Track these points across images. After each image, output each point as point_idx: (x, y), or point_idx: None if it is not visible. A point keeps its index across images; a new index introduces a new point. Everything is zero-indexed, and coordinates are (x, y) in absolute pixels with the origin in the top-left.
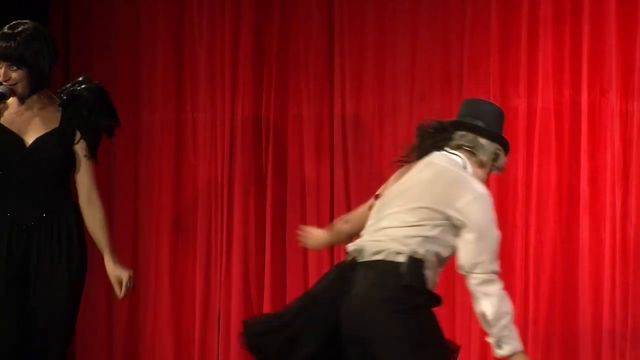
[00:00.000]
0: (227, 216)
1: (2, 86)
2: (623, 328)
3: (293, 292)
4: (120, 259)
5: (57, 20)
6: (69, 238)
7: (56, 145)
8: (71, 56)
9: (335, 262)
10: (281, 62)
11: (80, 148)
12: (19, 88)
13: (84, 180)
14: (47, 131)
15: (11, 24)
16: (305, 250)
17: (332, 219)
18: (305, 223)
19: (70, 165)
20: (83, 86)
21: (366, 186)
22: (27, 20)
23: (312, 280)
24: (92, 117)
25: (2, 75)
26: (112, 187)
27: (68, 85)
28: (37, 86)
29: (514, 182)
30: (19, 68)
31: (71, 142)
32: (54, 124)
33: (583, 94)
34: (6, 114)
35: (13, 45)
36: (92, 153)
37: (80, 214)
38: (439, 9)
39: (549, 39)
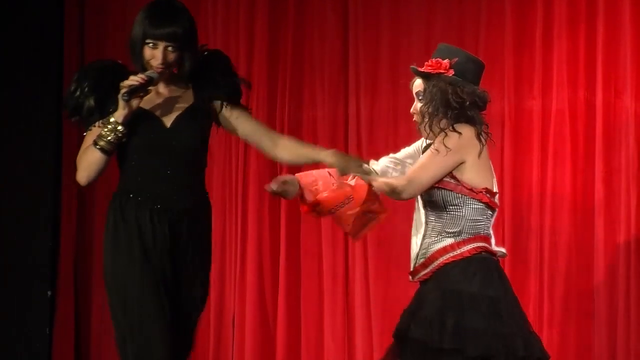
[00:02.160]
0: (241, 218)
1: (134, 77)
2: (638, 330)
3: (308, 295)
4: None
5: (72, 16)
6: (208, 221)
7: (195, 124)
8: (85, 54)
9: (349, 266)
10: (296, 64)
11: (229, 111)
12: (169, 71)
13: (257, 128)
14: (185, 110)
15: (158, 1)
16: (320, 253)
17: None
18: (320, 226)
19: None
20: (205, 55)
21: None
22: None
23: (327, 282)
24: (226, 78)
25: (159, 57)
26: None
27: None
28: (189, 68)
29: (528, 184)
30: (176, 50)
31: (210, 116)
32: (186, 101)
33: (598, 95)
34: (146, 97)
35: (176, 25)
36: (244, 106)
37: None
38: (454, 9)
39: (563, 40)
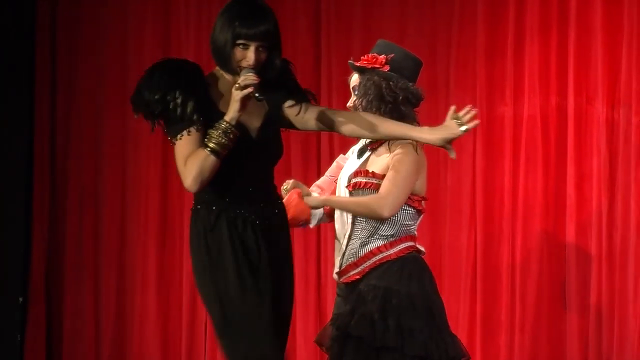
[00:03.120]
0: None
1: (249, 75)
2: (609, 334)
3: None
4: (106, 266)
5: (44, 23)
6: (287, 227)
7: (277, 130)
8: (58, 63)
9: (322, 272)
10: None
11: (297, 108)
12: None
13: (328, 114)
14: (264, 118)
15: (244, 1)
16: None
17: (318, 227)
18: (291, 232)
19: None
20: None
21: None
22: None
23: (299, 288)
24: (291, 82)
25: (252, 58)
26: (99, 193)
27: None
28: (278, 67)
29: (500, 189)
30: (266, 49)
31: (282, 121)
32: (263, 109)
33: (569, 101)
34: (222, 101)
35: (267, 24)
36: (306, 98)
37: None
38: (426, 16)
39: (535, 46)
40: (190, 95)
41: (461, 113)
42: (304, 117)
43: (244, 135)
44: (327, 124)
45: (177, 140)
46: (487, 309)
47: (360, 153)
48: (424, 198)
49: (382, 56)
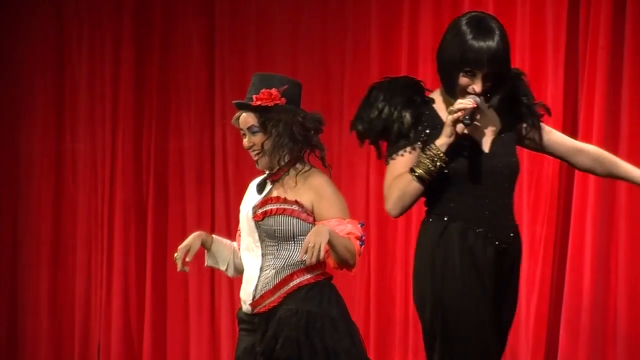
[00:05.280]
0: (107, 247)
1: (471, 97)
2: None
3: (174, 324)
4: None
5: None
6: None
7: (513, 147)
8: None
9: (215, 296)
10: (162, 94)
11: (534, 133)
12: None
13: (564, 140)
14: (497, 134)
15: (482, 16)
16: (186, 282)
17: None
18: None
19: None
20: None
21: None
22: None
23: (193, 312)
24: (529, 101)
25: (479, 85)
26: None
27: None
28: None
29: None
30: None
31: (518, 139)
32: (495, 124)
33: None
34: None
35: (500, 47)
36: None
37: None
38: (318, 40)
39: (428, 69)
40: (408, 112)
41: None
42: (540, 141)
43: (475, 148)
44: (557, 155)
45: (390, 160)
46: (382, 331)
47: (261, 188)
48: None
49: (274, 90)
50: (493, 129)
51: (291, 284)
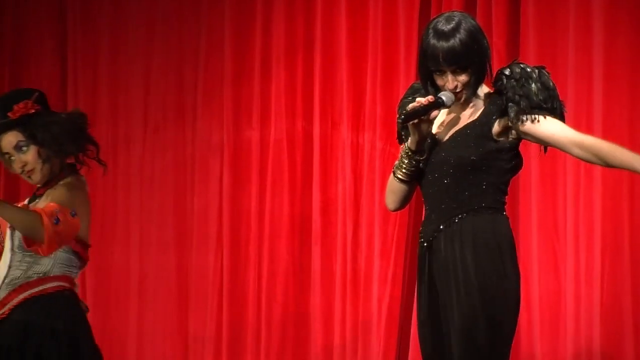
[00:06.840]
0: None
1: (445, 92)
2: (353, 357)
3: None
4: None
5: None
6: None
7: (472, 140)
8: None
9: None
10: None
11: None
12: (464, 93)
13: (559, 133)
14: (463, 127)
15: (444, 16)
16: None
17: None
18: None
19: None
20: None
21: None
22: (455, 11)
23: None
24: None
25: (449, 83)
26: None
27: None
28: (478, 87)
29: (247, 213)
30: (464, 72)
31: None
32: (464, 119)
33: (315, 125)
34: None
35: (456, 44)
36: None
37: None
38: (173, 40)
39: (282, 71)
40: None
41: None
42: (530, 132)
43: (433, 142)
44: (554, 145)
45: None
46: (234, 332)
47: (32, 200)
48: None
49: (26, 101)
50: (457, 124)
51: (20, 296)
